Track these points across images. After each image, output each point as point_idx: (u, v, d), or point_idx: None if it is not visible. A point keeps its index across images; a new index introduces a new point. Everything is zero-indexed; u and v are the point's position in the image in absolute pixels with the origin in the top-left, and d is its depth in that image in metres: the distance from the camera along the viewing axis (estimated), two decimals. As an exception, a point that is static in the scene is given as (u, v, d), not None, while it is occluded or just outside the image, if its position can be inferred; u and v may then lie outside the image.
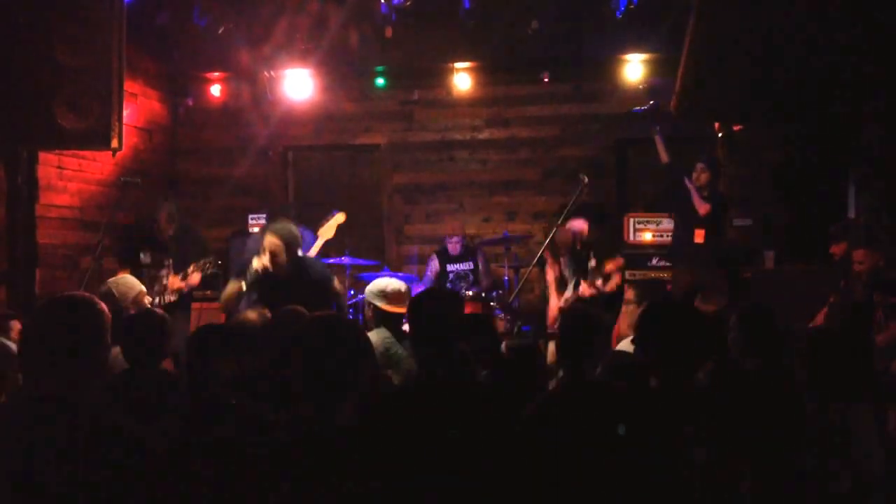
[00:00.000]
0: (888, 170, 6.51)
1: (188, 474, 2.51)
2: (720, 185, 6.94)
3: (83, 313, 2.52)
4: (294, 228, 5.35)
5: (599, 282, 6.39)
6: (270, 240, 5.21)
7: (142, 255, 6.28)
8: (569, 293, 6.62)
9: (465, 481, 2.51)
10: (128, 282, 4.70)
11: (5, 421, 2.38)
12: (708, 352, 3.28)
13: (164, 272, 6.19)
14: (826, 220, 6.83)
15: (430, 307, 3.14)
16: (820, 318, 5.54)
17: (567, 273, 6.73)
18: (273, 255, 5.16)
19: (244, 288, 5.31)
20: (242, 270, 5.35)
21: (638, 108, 7.11)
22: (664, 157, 6.98)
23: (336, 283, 5.62)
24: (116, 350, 3.88)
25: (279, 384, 3.11)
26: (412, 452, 2.46)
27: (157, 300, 5.97)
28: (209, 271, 6.13)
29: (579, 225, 6.65)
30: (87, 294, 2.65)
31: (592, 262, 6.51)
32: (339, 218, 6.51)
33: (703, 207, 6.73)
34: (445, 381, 2.87)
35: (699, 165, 6.82)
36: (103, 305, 2.58)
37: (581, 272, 6.59)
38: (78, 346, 2.45)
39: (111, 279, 4.74)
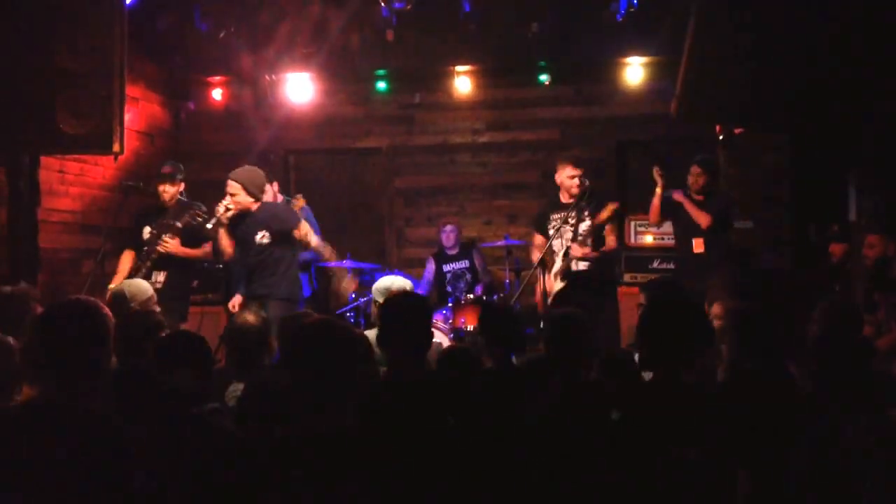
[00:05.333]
0: (889, 172, 6.50)
1: (190, 477, 2.52)
2: (720, 185, 6.71)
3: (88, 318, 2.50)
4: (251, 170, 5.94)
5: (588, 246, 6.03)
6: (229, 183, 5.77)
7: (144, 230, 6.09)
8: (558, 265, 6.20)
9: (463, 483, 2.51)
10: (141, 286, 4.75)
11: (9, 428, 2.37)
12: (708, 351, 3.29)
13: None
14: (827, 222, 6.82)
15: (397, 312, 3.15)
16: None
17: (553, 234, 6.24)
18: (232, 196, 5.72)
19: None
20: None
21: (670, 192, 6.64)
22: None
23: (301, 224, 5.88)
24: None
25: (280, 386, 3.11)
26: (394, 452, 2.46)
27: (145, 262, 5.91)
28: (197, 219, 5.98)
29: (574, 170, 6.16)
30: (91, 298, 2.64)
31: (587, 224, 6.10)
32: (298, 203, 6.60)
33: (704, 219, 6.30)
34: (414, 382, 2.89)
35: (694, 169, 6.44)
36: (107, 310, 2.57)
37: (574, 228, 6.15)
38: (81, 350, 2.44)
39: (126, 280, 4.77)
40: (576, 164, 6.27)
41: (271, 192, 6.60)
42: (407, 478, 2.40)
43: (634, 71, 8.17)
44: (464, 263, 7.91)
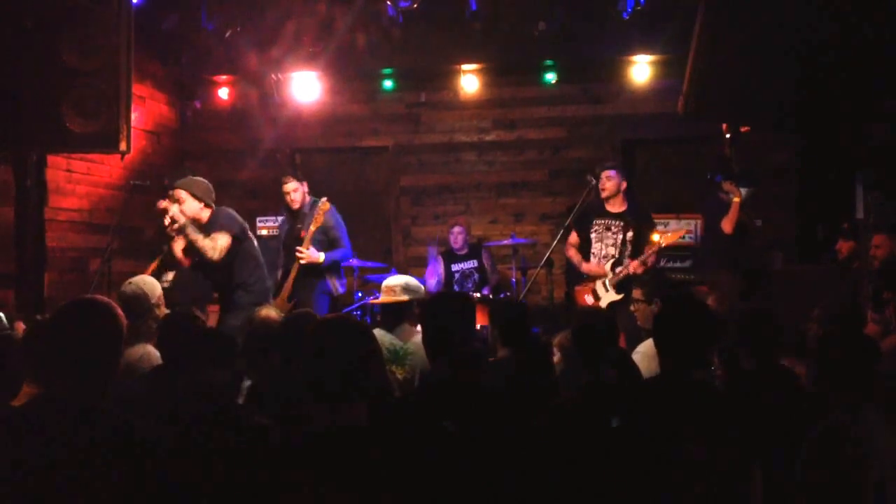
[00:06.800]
0: (896, 169, 6.49)
1: (203, 476, 2.52)
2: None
3: (100, 318, 2.50)
4: (197, 179, 5.66)
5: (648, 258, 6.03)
6: (175, 192, 5.56)
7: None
8: (608, 275, 6.17)
9: (477, 481, 2.51)
10: (152, 282, 4.72)
11: (22, 425, 2.37)
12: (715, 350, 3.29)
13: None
14: (834, 220, 6.80)
15: (443, 311, 3.14)
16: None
17: (595, 238, 6.28)
18: (180, 203, 5.50)
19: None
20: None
21: (717, 176, 6.88)
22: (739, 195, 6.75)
23: (224, 233, 5.52)
24: (145, 349, 3.90)
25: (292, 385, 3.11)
26: (423, 452, 2.46)
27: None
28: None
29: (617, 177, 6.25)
30: (103, 298, 2.63)
31: (630, 234, 6.17)
32: (324, 206, 6.48)
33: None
34: (456, 383, 2.89)
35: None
36: (119, 310, 2.57)
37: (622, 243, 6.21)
38: (92, 350, 2.44)
39: (133, 279, 4.74)
40: (613, 168, 6.30)
41: (301, 192, 6.63)
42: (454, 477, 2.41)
43: (641, 69, 8.16)
44: (472, 263, 7.88)
